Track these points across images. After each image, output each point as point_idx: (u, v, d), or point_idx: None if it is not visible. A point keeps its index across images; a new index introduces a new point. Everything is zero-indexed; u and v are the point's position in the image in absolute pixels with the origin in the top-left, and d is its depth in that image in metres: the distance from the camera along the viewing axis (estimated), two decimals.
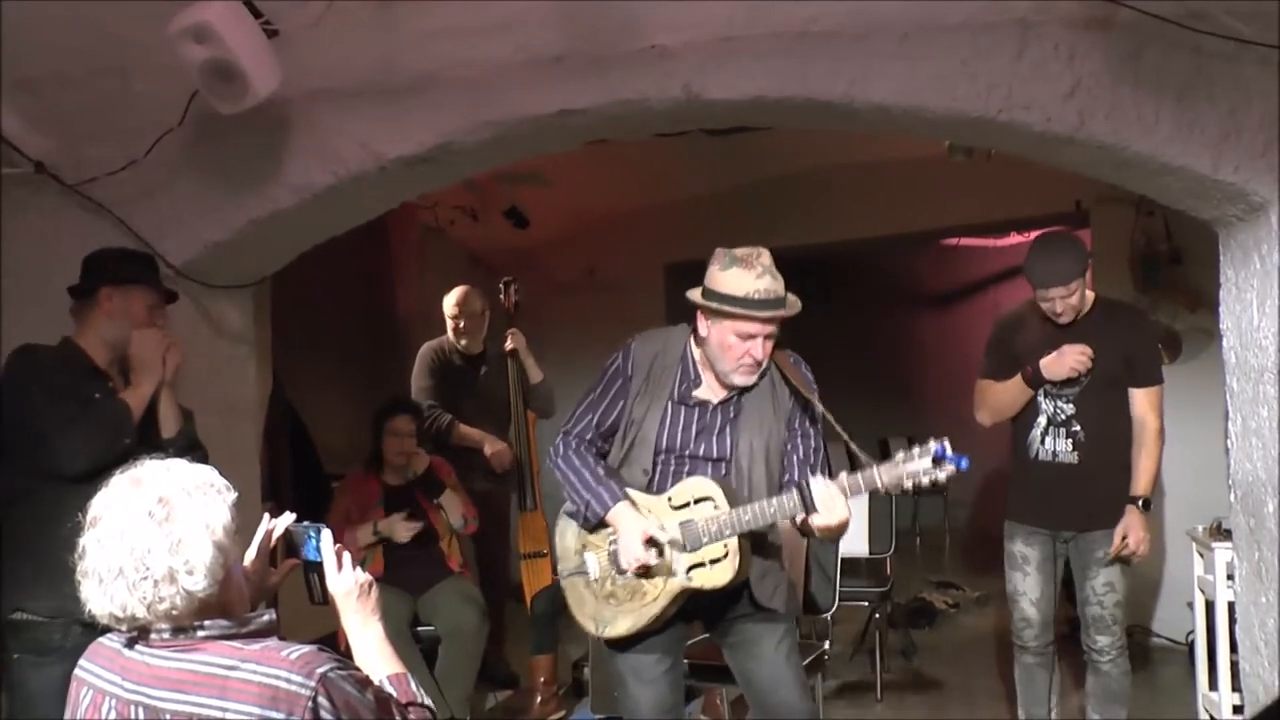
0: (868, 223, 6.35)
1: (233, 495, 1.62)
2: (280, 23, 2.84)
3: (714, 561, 2.55)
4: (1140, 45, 2.72)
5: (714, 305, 2.57)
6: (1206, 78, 2.70)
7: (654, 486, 2.67)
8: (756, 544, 2.64)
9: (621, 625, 2.66)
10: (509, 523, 5.04)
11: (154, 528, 1.51)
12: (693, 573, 2.57)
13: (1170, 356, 4.89)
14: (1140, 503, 3.32)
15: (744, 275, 2.54)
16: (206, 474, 1.62)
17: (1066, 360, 3.32)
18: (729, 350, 2.58)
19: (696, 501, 2.58)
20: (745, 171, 6.28)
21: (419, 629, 4.15)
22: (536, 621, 4.50)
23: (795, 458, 2.68)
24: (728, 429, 2.67)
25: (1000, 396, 3.50)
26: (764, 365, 2.61)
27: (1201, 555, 4.19)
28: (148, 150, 3.13)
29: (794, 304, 2.61)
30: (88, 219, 3.20)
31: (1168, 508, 4.78)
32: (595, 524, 2.67)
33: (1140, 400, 3.38)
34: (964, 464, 2.38)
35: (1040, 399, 3.42)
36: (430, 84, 3.08)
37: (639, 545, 2.56)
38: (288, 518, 1.86)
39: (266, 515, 1.87)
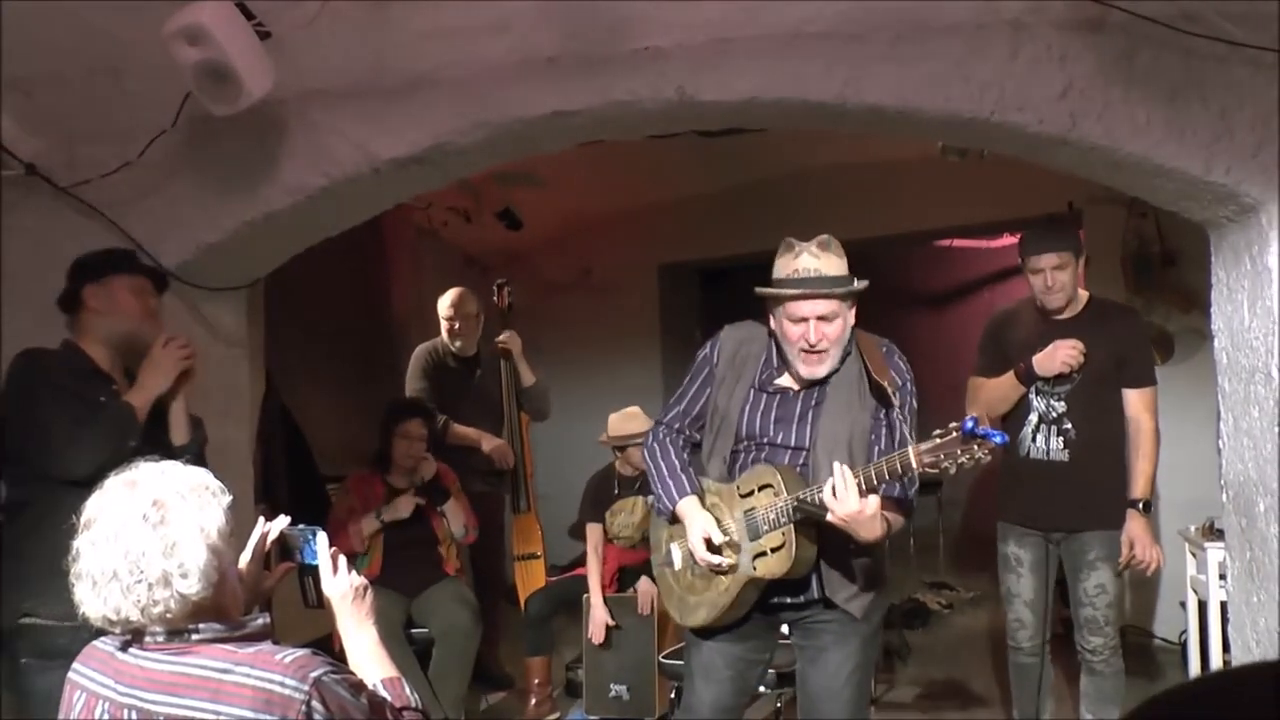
0: (861, 224, 6.33)
1: (227, 498, 1.62)
2: (273, 24, 2.84)
3: (774, 550, 2.48)
4: (1132, 47, 2.72)
5: (760, 290, 2.58)
6: (1198, 79, 2.71)
7: (734, 474, 2.63)
8: (836, 539, 2.47)
9: (700, 615, 2.64)
10: (503, 525, 5.05)
11: (148, 531, 1.51)
12: (756, 562, 2.51)
13: (1163, 357, 4.91)
14: (1140, 505, 3.30)
15: (785, 257, 2.55)
16: (201, 476, 1.62)
17: (1058, 355, 3.31)
18: (788, 338, 2.54)
19: (760, 489, 2.52)
20: (738, 173, 6.27)
21: (413, 631, 4.14)
22: (530, 623, 4.50)
23: (877, 449, 2.57)
24: (808, 416, 2.60)
25: (993, 393, 3.49)
26: (830, 352, 2.52)
27: (1194, 555, 4.21)
28: (141, 152, 3.12)
29: (841, 281, 2.51)
30: (81, 221, 3.19)
31: (1161, 508, 4.78)
32: (669, 518, 2.67)
33: (1134, 401, 3.37)
34: (1001, 439, 2.26)
35: (1032, 396, 3.41)
36: (424, 85, 3.08)
37: (701, 548, 2.54)
38: (282, 521, 1.86)
39: (261, 519, 1.87)
